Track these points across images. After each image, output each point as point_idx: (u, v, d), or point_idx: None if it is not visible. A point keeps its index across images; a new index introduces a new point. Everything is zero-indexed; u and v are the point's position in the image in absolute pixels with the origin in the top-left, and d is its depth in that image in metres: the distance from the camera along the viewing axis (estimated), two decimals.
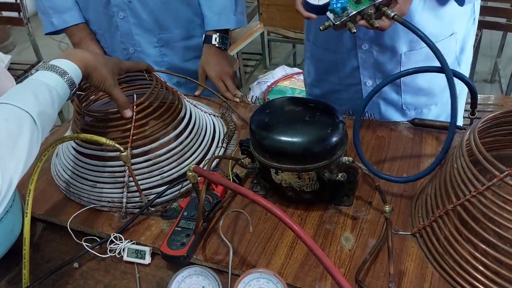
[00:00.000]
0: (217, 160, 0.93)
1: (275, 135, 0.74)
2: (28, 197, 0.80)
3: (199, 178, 0.72)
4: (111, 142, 0.76)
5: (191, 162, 0.88)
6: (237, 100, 1.13)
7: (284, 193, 0.79)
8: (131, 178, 0.82)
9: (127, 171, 0.81)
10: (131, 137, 0.82)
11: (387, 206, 0.63)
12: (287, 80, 2.45)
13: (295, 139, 0.73)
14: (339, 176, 0.73)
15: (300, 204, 0.80)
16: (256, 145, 0.77)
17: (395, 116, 1.06)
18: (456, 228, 0.64)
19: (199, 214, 0.71)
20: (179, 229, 0.76)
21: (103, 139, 0.76)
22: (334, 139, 0.73)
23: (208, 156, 0.91)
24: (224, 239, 0.73)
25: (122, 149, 0.76)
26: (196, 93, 1.17)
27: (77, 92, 0.89)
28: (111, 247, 0.77)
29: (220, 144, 0.95)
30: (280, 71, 2.51)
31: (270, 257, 0.72)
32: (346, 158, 0.75)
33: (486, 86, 2.77)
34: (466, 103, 1.21)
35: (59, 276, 0.75)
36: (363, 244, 0.72)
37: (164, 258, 0.74)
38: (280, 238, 0.75)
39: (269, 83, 2.43)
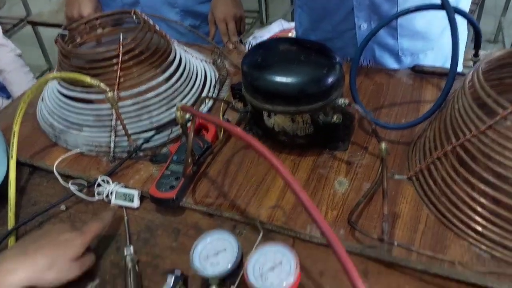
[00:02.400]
0: (208, 105, 0.89)
1: (268, 76, 0.70)
2: (13, 139, 0.77)
3: (187, 118, 0.69)
4: (96, 82, 0.73)
5: None
6: (230, 46, 1.09)
7: (277, 138, 0.76)
8: (119, 122, 0.79)
9: (114, 114, 0.78)
10: (118, 79, 0.79)
11: (383, 144, 0.60)
12: (284, 34, 2.39)
13: (289, 80, 0.69)
14: (335, 118, 0.70)
15: (293, 150, 0.78)
16: (248, 87, 0.74)
17: (390, 62, 1.03)
18: (454, 169, 0.62)
19: (187, 156, 0.68)
20: (169, 172, 0.73)
21: (87, 78, 0.73)
22: (330, 79, 0.70)
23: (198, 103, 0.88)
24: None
25: (107, 89, 0.72)
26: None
27: (61, 33, 0.85)
28: (99, 190, 0.75)
29: (211, 90, 0.91)
30: (277, 26, 2.44)
31: (261, 200, 0.70)
32: (342, 100, 0.72)
33: (489, 46, 2.71)
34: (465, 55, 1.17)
35: (45, 218, 0.74)
36: (357, 188, 0.70)
37: (152, 201, 0.72)
38: (272, 181, 0.73)
39: (265, 38, 2.37)
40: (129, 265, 0.63)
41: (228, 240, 0.60)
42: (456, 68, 0.72)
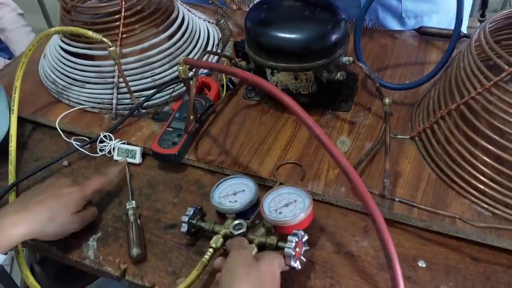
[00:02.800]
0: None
1: (272, 31, 0.69)
2: (14, 94, 0.77)
3: (190, 75, 0.68)
4: (98, 36, 0.72)
5: None
6: (233, 7, 1.07)
7: None
8: (121, 79, 0.78)
9: (116, 70, 0.78)
10: (120, 35, 0.78)
11: (387, 99, 0.60)
12: None
13: (293, 35, 0.68)
14: (338, 75, 0.69)
15: None
16: (251, 43, 0.73)
17: (393, 25, 1.01)
18: (458, 127, 0.61)
19: (189, 112, 0.68)
20: (171, 129, 0.73)
21: (89, 32, 0.72)
22: (335, 36, 0.69)
23: None
24: None
25: (109, 43, 0.72)
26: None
27: None
28: (101, 147, 0.75)
29: (214, 50, 0.90)
30: None
31: (263, 158, 0.70)
32: (347, 58, 0.71)
33: None
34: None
35: (48, 173, 0.74)
36: (359, 147, 0.70)
37: (155, 157, 0.72)
38: (274, 141, 0.73)
39: None
40: (131, 218, 0.64)
41: (246, 184, 0.63)
42: (460, 26, 0.70)
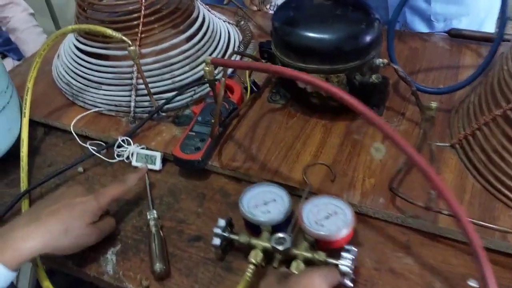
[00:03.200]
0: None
1: (302, 31, 0.65)
2: (26, 95, 0.73)
3: (217, 74, 0.64)
4: (118, 34, 0.68)
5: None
6: (253, 8, 1.03)
7: (308, 100, 0.71)
8: (140, 80, 0.74)
9: (135, 71, 0.74)
10: (139, 34, 0.74)
11: (433, 103, 0.55)
12: None
13: (324, 36, 0.64)
14: (373, 78, 0.65)
15: (325, 114, 0.73)
16: (279, 44, 0.69)
17: (421, 27, 0.97)
18: (505, 134, 0.57)
19: (216, 115, 0.64)
20: (193, 133, 0.69)
21: (108, 31, 0.68)
22: (369, 36, 0.65)
23: None
24: None
25: (129, 42, 0.68)
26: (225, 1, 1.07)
27: None
28: (118, 152, 0.71)
29: (238, 51, 0.86)
30: None
31: (291, 165, 0.66)
32: (380, 60, 0.67)
33: None
34: None
35: (62, 180, 0.70)
36: (396, 155, 0.65)
37: (176, 163, 0.68)
38: (303, 147, 0.68)
39: None
40: (153, 229, 0.60)
41: (276, 192, 0.59)
42: (504, 28, 0.66)
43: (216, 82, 0.66)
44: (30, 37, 1.54)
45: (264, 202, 0.58)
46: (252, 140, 0.71)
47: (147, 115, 0.75)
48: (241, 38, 0.91)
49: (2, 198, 0.69)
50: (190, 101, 0.77)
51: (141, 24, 0.74)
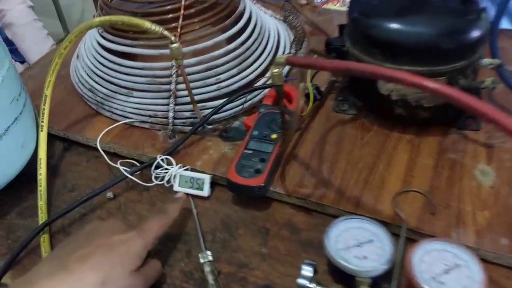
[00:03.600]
0: (286, 67, 0.71)
1: (390, 24, 0.52)
2: (44, 105, 0.60)
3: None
4: (158, 28, 0.54)
5: (254, 71, 0.66)
6: (302, 1, 0.90)
7: (390, 110, 0.58)
8: (179, 86, 0.61)
9: (174, 74, 0.60)
10: (179, 29, 0.61)
11: None
12: None
13: (420, 29, 0.51)
14: (488, 82, 0.51)
15: (408, 126, 0.60)
16: (359, 40, 0.56)
17: (505, 24, 0.84)
18: None
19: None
20: (250, 152, 0.56)
21: (147, 23, 0.54)
22: (477, 31, 0.51)
23: None
24: None
25: (172, 37, 0.54)
26: None
27: None
28: (157, 174, 0.57)
29: (288, 51, 0.73)
30: None
31: (376, 192, 0.52)
32: (489, 60, 0.53)
33: None
34: None
35: (88, 209, 0.57)
36: (509, 180, 0.52)
37: (231, 189, 0.54)
38: (387, 169, 0.55)
39: None
40: (210, 278, 0.46)
41: (371, 230, 0.46)
42: None
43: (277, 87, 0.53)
44: (29, 33, 1.34)
45: (357, 243, 0.45)
46: (321, 159, 0.57)
47: (188, 127, 0.62)
48: (291, 35, 0.78)
49: (14, 231, 0.55)
50: (240, 110, 0.64)
51: (181, 16, 0.61)
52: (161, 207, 0.55)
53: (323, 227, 0.51)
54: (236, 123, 0.63)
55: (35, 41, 1.38)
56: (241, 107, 0.63)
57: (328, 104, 0.65)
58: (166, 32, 0.54)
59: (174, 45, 0.55)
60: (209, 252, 0.49)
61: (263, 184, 0.52)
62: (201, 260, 0.48)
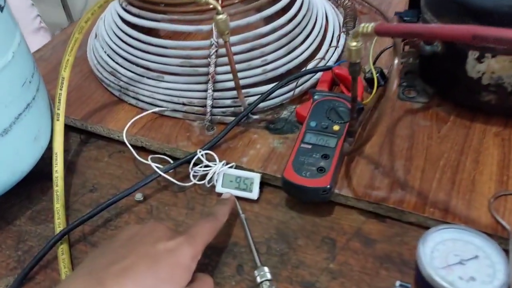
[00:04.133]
0: (338, 50, 0.61)
1: None
2: (61, 89, 0.50)
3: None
4: None
5: (304, 51, 0.57)
6: None
7: (477, 96, 0.48)
8: (219, 69, 0.51)
9: (213, 55, 0.51)
10: (220, 1, 0.51)
11: None
12: None
13: None
14: None
15: (492, 117, 0.50)
16: (445, 10, 0.46)
17: None
18: None
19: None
20: (308, 146, 0.46)
21: None
22: None
23: (324, 49, 0.60)
24: None
25: (219, 6, 0.45)
26: None
27: None
28: (195, 171, 0.48)
29: (338, 31, 0.63)
30: None
31: (468, 195, 0.43)
32: None
33: None
34: None
35: (113, 213, 0.47)
36: None
37: (288, 191, 0.45)
38: (476, 167, 0.46)
39: None
40: None
41: (475, 243, 0.36)
42: None
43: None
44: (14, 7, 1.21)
45: (459, 260, 0.35)
46: (393, 156, 0.48)
47: (229, 118, 0.52)
48: (338, 14, 0.68)
49: (24, 240, 0.46)
50: (288, 98, 0.55)
51: None
52: (206, 210, 0.46)
53: (400, 238, 0.42)
54: (284, 113, 0.54)
55: (22, 20, 1.22)
56: (291, 93, 0.54)
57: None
58: (211, 1, 0.44)
59: (221, 16, 0.45)
60: (266, 269, 0.40)
61: (328, 186, 0.43)
62: (258, 279, 0.39)
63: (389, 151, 0.48)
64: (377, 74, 0.53)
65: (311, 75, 0.56)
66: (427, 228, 0.42)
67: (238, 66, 0.52)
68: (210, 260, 0.42)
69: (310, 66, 0.56)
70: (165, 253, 0.34)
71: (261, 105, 0.53)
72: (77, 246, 0.45)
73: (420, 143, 0.49)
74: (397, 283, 0.37)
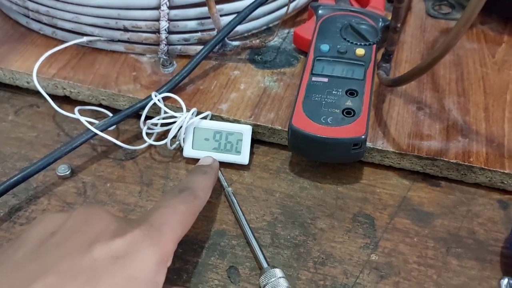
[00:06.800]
0: None
1: None
2: None
3: None
4: None
5: None
6: None
7: None
8: None
9: None
10: None
11: None
12: None
13: None
14: None
15: None
16: None
17: None
18: None
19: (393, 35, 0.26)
20: (323, 80, 0.31)
21: None
22: None
23: None
24: None
25: None
26: None
27: None
28: (150, 127, 0.31)
29: None
30: None
31: None
32: None
33: None
34: None
35: (24, 198, 0.29)
36: None
37: (297, 147, 0.29)
38: None
39: None
40: None
41: None
42: None
43: None
44: None
45: None
46: (439, 90, 0.34)
47: (196, 47, 0.35)
48: None
49: None
50: (278, 19, 0.38)
51: None
52: (174, 185, 0.30)
53: (467, 208, 0.29)
54: (275, 40, 0.38)
55: None
56: (284, 9, 0.38)
57: (417, 7, 0.41)
58: None
59: None
60: (278, 272, 0.24)
61: (363, 136, 0.28)
62: (263, 282, 0.24)
63: (432, 85, 0.34)
64: None
65: None
66: (500, 190, 0.29)
67: None
68: (185, 263, 0.26)
69: None
70: (108, 263, 0.19)
71: (240, 28, 0.37)
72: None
73: (472, 72, 0.35)
74: (504, 280, 0.23)
